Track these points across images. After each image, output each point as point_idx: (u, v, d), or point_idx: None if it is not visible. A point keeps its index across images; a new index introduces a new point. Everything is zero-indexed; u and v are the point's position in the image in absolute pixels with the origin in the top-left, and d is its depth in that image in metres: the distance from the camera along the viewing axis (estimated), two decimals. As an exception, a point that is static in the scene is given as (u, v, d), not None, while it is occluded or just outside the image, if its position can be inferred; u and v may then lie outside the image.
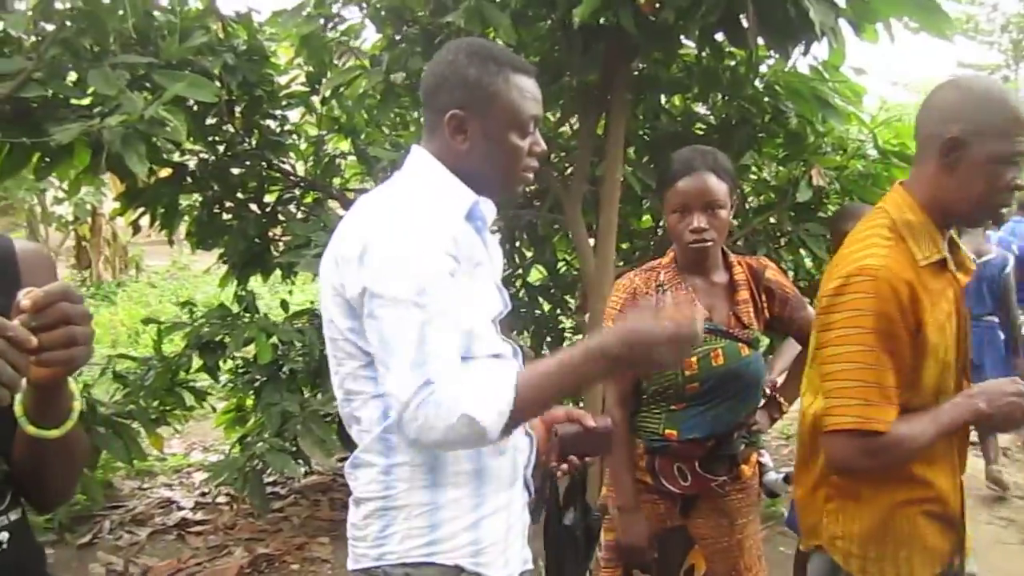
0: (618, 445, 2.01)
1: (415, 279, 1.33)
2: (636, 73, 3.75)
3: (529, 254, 4.74)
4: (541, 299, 4.78)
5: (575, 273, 4.67)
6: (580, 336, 4.33)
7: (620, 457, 2.06)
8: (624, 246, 4.56)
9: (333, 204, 4.45)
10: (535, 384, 1.35)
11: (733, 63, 3.82)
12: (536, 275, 5.01)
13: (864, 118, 3.96)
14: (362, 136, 4.34)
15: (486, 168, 1.51)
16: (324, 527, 4.21)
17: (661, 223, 4.50)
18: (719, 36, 3.30)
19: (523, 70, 1.51)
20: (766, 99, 3.85)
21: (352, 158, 4.60)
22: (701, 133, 4.14)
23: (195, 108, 3.62)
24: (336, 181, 4.58)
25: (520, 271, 4.74)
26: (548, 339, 4.80)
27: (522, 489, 1.59)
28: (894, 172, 3.88)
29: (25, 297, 0.90)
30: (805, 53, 3.13)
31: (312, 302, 7.74)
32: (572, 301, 4.69)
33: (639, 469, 2.11)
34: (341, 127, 4.37)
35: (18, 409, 1.00)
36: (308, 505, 4.53)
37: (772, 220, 4.06)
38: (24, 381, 0.94)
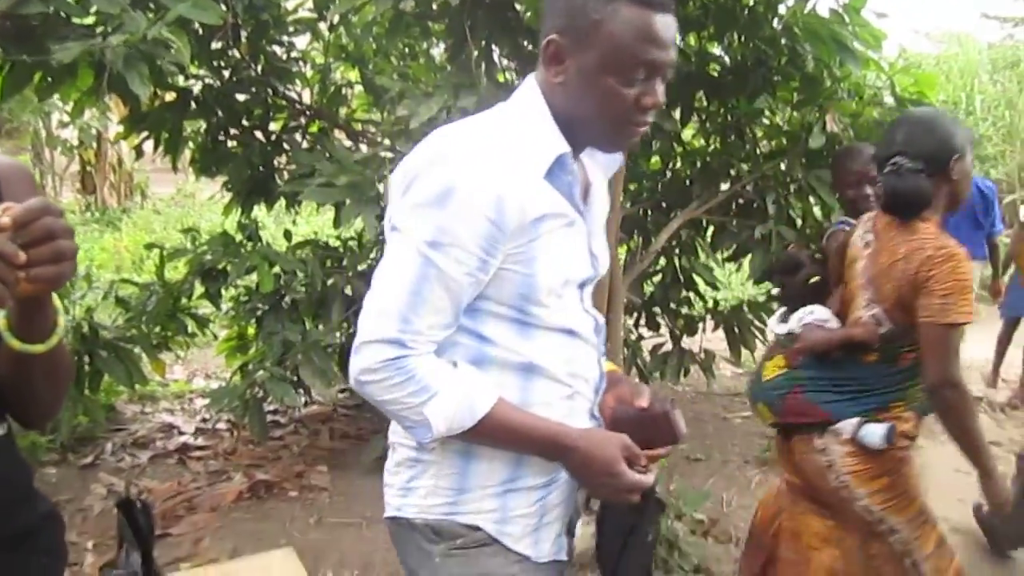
0: (974, 414, 2.05)
1: (436, 230, 1.21)
2: (651, 9, 3.64)
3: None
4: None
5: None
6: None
7: (979, 426, 2.08)
8: (631, 187, 4.51)
9: (339, 134, 4.39)
10: (499, 427, 1.29)
11: (751, 2, 3.72)
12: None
13: (883, 65, 3.86)
14: (370, 65, 4.26)
15: (579, 111, 1.29)
16: (323, 456, 4.25)
17: (670, 165, 4.44)
18: (738, -28, 3.21)
19: (649, 3, 1.23)
20: (783, 41, 3.75)
21: (359, 88, 4.53)
22: (715, 74, 4.06)
23: (200, 31, 3.55)
24: (343, 111, 4.52)
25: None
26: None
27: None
28: (910, 121, 3.80)
29: (4, 214, 0.87)
30: (826, -7, 3.04)
31: (316, 232, 7.73)
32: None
33: (910, 437, 2.17)
34: (349, 55, 4.28)
35: (2, 324, 0.99)
36: (308, 434, 4.56)
37: (783, 166, 3.99)
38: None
